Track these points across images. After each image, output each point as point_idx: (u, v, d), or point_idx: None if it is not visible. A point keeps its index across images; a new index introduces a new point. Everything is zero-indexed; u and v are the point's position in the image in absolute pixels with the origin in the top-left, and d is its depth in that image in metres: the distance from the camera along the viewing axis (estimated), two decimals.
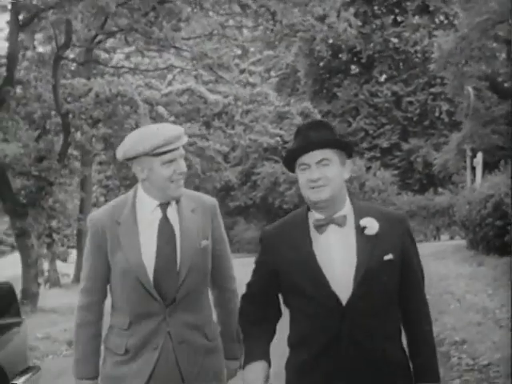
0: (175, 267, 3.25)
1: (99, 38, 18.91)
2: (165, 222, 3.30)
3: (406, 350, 3.08)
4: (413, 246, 3.11)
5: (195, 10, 19.68)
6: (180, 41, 20.00)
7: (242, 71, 27.98)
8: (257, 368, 3.05)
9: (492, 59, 22.73)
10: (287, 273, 3.04)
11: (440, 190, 33.10)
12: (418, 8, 37.16)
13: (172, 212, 3.34)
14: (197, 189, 35.62)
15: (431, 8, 35.88)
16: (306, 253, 2.99)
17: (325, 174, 2.96)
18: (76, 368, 3.39)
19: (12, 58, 12.26)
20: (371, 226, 2.99)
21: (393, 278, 3.00)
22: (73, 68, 19.00)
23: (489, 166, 21.63)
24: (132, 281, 3.23)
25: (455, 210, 21.76)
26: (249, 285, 3.23)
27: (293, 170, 3.10)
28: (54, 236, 17.32)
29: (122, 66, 21.40)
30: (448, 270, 15.70)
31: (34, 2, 12.11)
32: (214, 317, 3.53)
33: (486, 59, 22.58)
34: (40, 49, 15.04)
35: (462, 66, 22.49)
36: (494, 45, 22.51)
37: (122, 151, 3.27)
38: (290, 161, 3.05)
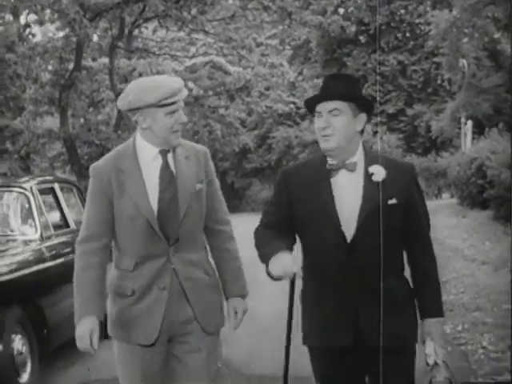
0: (177, 208, 3.34)
1: (137, 22, 21.58)
2: (165, 168, 3.38)
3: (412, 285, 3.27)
4: (418, 193, 3.26)
5: None
6: (206, 23, 22.60)
7: (259, 45, 30.46)
8: (285, 255, 3.08)
9: (483, 35, 25.02)
10: (302, 206, 3.21)
11: (444, 153, 34.77)
12: None
13: (169, 159, 3.41)
14: (217, 152, 38.13)
15: None
16: (323, 191, 3.16)
17: (332, 124, 3.12)
18: (78, 312, 3.28)
19: (80, 49, 15.08)
20: (378, 172, 3.14)
21: (395, 221, 3.14)
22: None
23: (479, 133, 23.50)
24: (140, 224, 3.31)
25: (448, 172, 23.80)
26: (263, 214, 3.39)
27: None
28: None
29: (165, 53, 23.80)
30: (437, 221, 17.46)
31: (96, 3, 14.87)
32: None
33: (479, 35, 24.95)
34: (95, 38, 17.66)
35: (456, 42, 24.77)
36: (486, 22, 24.61)
37: (125, 102, 3.32)
38: (310, 106, 3.22)
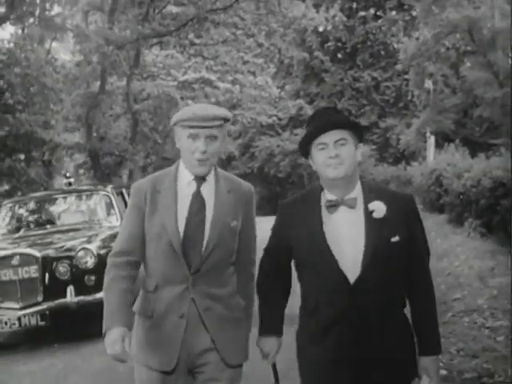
0: (202, 239, 3.33)
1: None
2: (196, 195, 3.39)
3: (410, 322, 3.24)
4: (418, 224, 3.23)
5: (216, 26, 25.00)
6: (203, 48, 25.51)
7: (245, 63, 33.30)
8: (271, 342, 3.28)
9: (445, 60, 27.95)
10: (298, 248, 3.17)
11: (413, 163, 36.61)
12: (395, 5, 41.30)
13: (208, 188, 3.42)
14: None
15: (406, 6, 40.77)
16: (316, 231, 3.08)
17: (341, 153, 3.06)
18: (106, 321, 3.27)
19: (104, 76, 18.07)
20: (379, 209, 3.08)
21: (399, 259, 3.08)
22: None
23: (440, 146, 25.61)
24: (164, 244, 3.32)
25: (413, 180, 25.99)
26: (266, 250, 3.38)
27: (306, 154, 3.22)
28: None
29: (173, 78, 26.43)
30: None
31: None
32: None
33: (441, 61, 27.91)
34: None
35: (422, 66, 27.55)
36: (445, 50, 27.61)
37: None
38: (308, 141, 3.14)
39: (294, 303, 3.37)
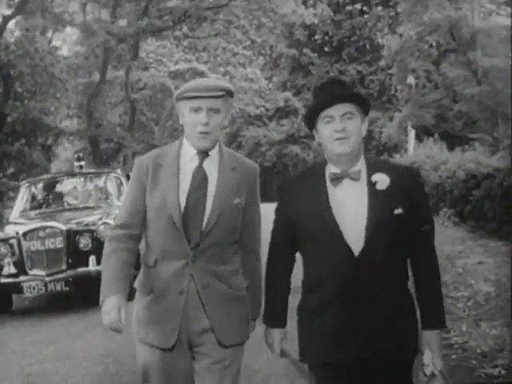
0: (202, 214, 3.28)
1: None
2: (198, 170, 3.34)
3: (414, 296, 3.18)
4: (422, 198, 3.16)
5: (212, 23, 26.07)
6: (196, 41, 26.61)
7: (235, 54, 34.40)
8: (275, 333, 3.30)
9: (427, 57, 29.21)
10: (303, 222, 3.12)
11: (395, 155, 37.61)
12: (381, 1, 42.69)
13: (212, 164, 3.36)
14: None
15: (391, 3, 41.84)
16: (322, 204, 3.05)
17: (348, 127, 3.02)
18: (103, 291, 3.21)
19: (105, 66, 19.18)
20: (382, 181, 3.05)
21: (403, 231, 3.04)
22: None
23: (421, 139, 27.21)
24: (165, 218, 3.27)
25: None
26: (273, 234, 3.32)
27: (311, 126, 3.17)
28: None
29: (165, 68, 27.61)
30: None
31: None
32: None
33: (423, 58, 29.16)
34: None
35: (405, 62, 28.75)
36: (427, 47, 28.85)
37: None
38: (315, 114, 3.09)
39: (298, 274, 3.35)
